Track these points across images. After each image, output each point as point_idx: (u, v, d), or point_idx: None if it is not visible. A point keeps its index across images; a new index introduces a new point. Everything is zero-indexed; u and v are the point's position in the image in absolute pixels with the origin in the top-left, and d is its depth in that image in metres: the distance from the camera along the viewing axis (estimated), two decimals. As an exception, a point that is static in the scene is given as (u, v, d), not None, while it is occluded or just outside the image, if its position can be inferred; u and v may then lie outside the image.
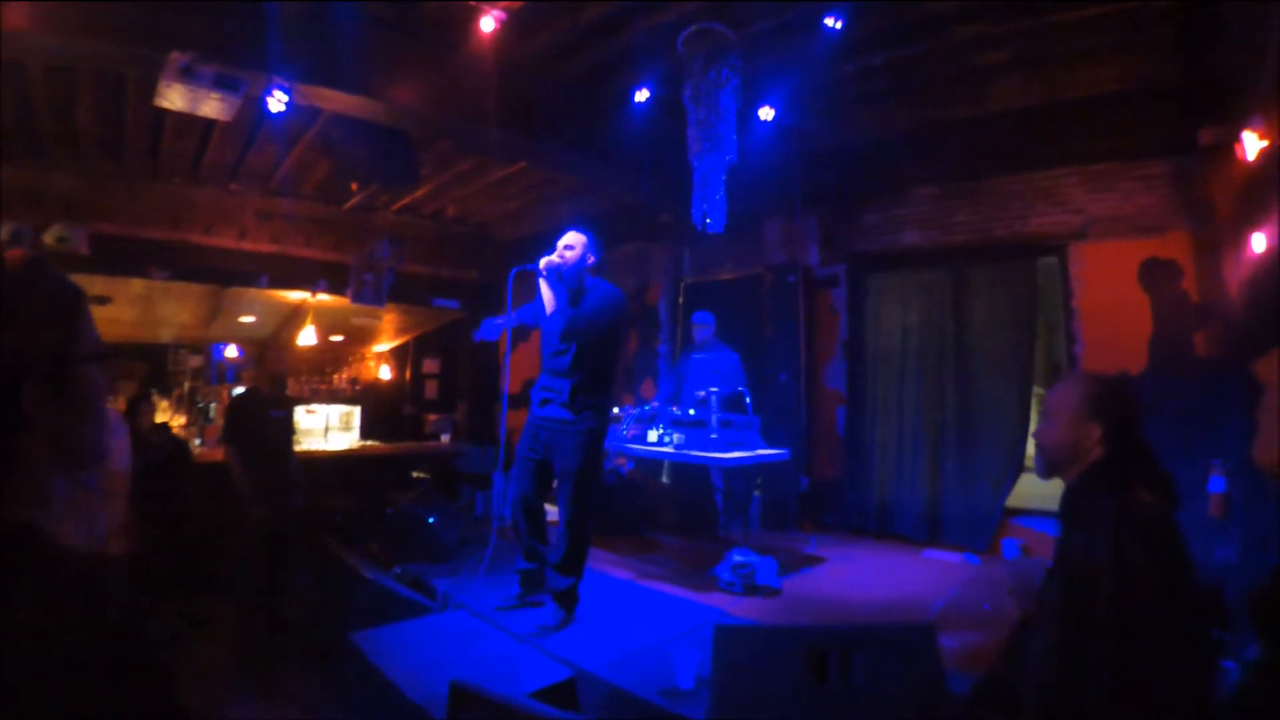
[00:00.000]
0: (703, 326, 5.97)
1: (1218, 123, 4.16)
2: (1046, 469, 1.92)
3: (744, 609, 4.01)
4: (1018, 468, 5.42)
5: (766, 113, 5.24)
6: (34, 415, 0.74)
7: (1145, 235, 4.92)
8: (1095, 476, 1.74)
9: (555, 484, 3.78)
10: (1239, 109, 3.79)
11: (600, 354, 3.73)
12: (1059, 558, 1.76)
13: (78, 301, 0.80)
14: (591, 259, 3.80)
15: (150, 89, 4.15)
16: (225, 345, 8.16)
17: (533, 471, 3.80)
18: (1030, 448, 6.15)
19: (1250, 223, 3.70)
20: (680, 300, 7.47)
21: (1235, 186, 4.03)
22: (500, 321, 3.87)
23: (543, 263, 3.63)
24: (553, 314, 3.62)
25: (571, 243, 3.78)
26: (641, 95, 5.12)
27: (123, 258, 6.48)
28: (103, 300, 6.30)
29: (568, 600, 3.72)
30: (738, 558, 4.38)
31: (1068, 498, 1.84)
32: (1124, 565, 1.44)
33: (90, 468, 0.84)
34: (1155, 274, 4.87)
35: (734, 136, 4.54)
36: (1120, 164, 5.03)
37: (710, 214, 4.66)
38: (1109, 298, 5.05)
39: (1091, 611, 1.44)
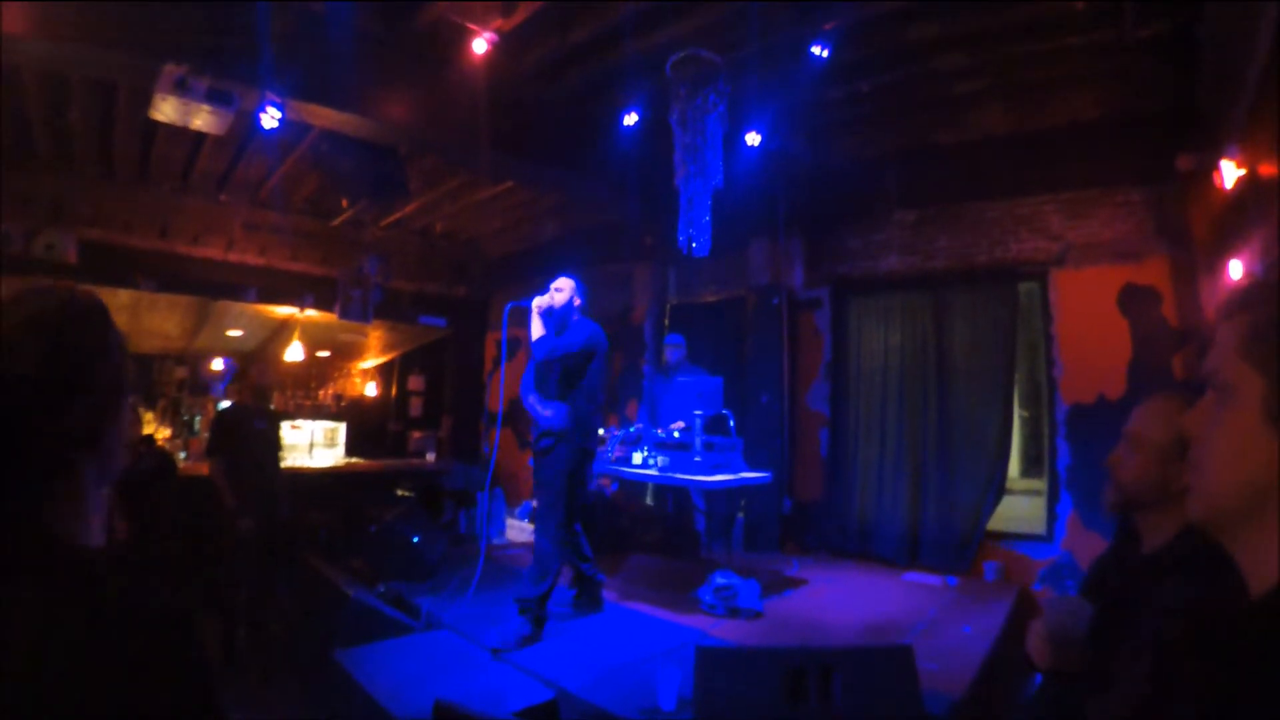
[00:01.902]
0: (675, 348, 6.01)
1: (1195, 150, 4.26)
2: (1120, 504, 1.65)
3: (725, 631, 4.02)
4: (999, 490, 5.47)
5: (753, 139, 5.32)
6: (105, 443, 0.81)
7: (1124, 261, 5.02)
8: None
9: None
10: (1216, 137, 3.88)
11: (576, 381, 4.11)
12: (1141, 611, 1.39)
13: (125, 344, 0.90)
14: (578, 300, 4.23)
15: (143, 98, 4.18)
16: (210, 358, 8.12)
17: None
18: (1013, 469, 6.24)
19: (1227, 249, 3.79)
20: (666, 321, 7.51)
21: (1212, 213, 4.12)
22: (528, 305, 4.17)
23: (535, 301, 4.10)
24: (538, 340, 4.06)
25: (560, 286, 4.19)
26: (630, 119, 5.19)
27: (110, 266, 6.46)
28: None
29: (528, 609, 3.86)
30: (720, 579, 4.40)
31: (1177, 545, 1.45)
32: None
33: (112, 483, 0.92)
34: (1134, 299, 4.96)
35: (720, 161, 4.60)
36: (1099, 191, 5.14)
37: (695, 237, 4.72)
38: (1088, 322, 5.14)
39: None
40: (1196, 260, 4.52)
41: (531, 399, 4.22)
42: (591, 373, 4.17)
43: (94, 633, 0.67)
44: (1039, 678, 1.59)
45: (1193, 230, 4.56)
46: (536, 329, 4.08)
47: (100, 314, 0.84)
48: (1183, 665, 0.77)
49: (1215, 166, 3.76)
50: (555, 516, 4.00)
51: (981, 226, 5.66)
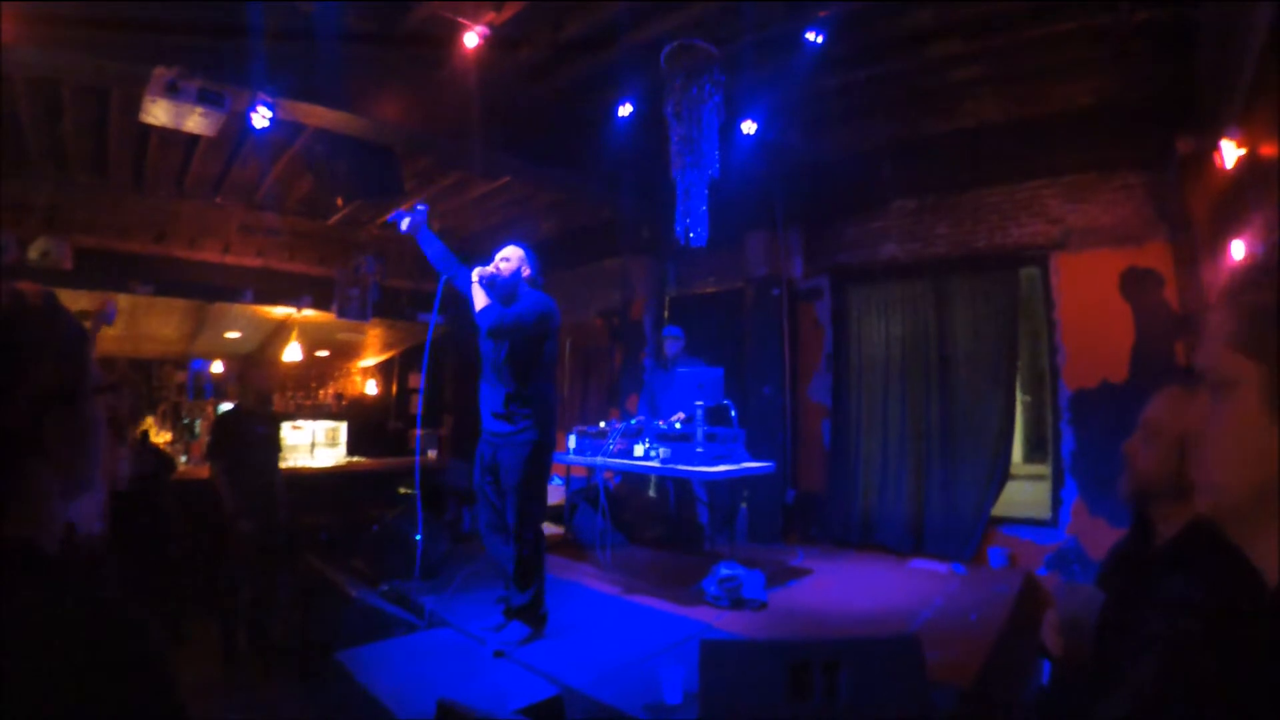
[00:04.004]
0: (675, 340, 6.00)
1: (1194, 133, 4.23)
2: (1135, 494, 1.62)
3: (730, 622, 4.00)
4: (1003, 477, 5.45)
5: (749, 126, 5.28)
6: (50, 443, 0.77)
7: (1124, 245, 4.99)
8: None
9: (504, 499, 3.76)
10: (1215, 119, 3.85)
11: (531, 360, 3.70)
12: (1150, 604, 1.35)
13: (85, 339, 0.86)
14: (527, 271, 3.82)
15: (134, 103, 4.15)
16: (207, 361, 8.11)
17: (490, 493, 3.81)
18: (1016, 455, 6.22)
19: (1229, 231, 3.76)
20: (665, 314, 7.50)
21: (1212, 195, 4.09)
22: (417, 218, 3.81)
23: (476, 272, 3.67)
24: (483, 310, 3.62)
25: (508, 255, 3.82)
26: (625, 110, 5.16)
27: (106, 272, 6.45)
28: (85, 316, 6.26)
29: (530, 615, 3.72)
30: (724, 571, 4.38)
31: (1182, 538, 1.44)
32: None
33: (88, 492, 0.88)
34: (1135, 283, 4.93)
35: (716, 151, 4.57)
36: (1098, 175, 5.11)
37: (693, 228, 4.69)
38: (1090, 307, 5.11)
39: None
40: (1198, 243, 4.49)
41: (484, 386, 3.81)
42: (545, 352, 3.75)
43: (38, 637, 0.66)
44: (1048, 666, 1.57)
45: (1193, 213, 4.52)
46: (479, 299, 3.64)
47: (39, 314, 0.81)
48: (1196, 662, 0.74)
49: (1215, 148, 3.73)
50: (534, 520, 3.73)
51: (981, 212, 5.63)
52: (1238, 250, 3.62)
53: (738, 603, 4.26)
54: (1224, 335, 0.68)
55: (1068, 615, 1.49)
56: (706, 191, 4.66)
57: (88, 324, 3.77)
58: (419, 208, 3.86)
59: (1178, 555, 1.39)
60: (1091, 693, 1.35)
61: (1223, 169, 3.66)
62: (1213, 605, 0.85)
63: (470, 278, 3.70)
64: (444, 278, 3.88)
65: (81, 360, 0.83)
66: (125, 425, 4.31)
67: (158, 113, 4.12)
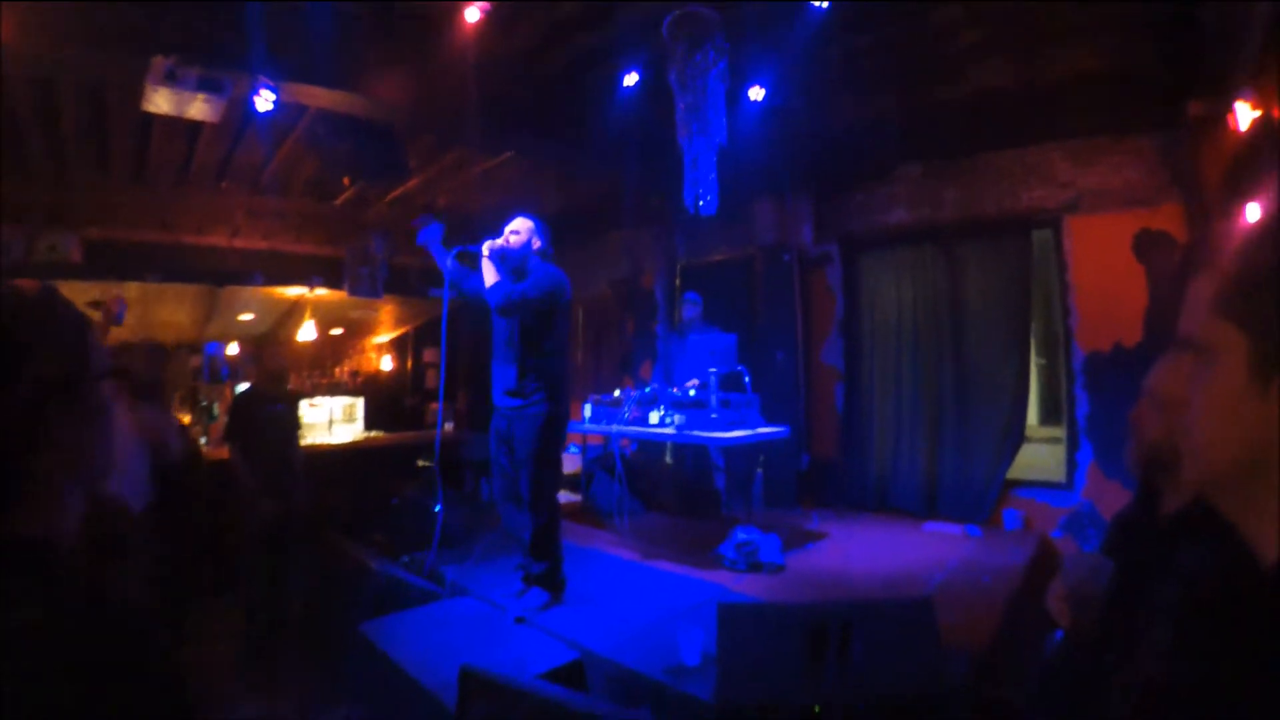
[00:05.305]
0: (692, 304, 6.07)
1: (1206, 95, 4.14)
2: (1143, 462, 1.56)
3: (747, 586, 4.07)
4: (1018, 439, 5.46)
5: (756, 92, 5.21)
6: (53, 434, 0.78)
7: (1137, 208, 4.92)
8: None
9: (518, 471, 3.79)
10: (1226, 81, 3.78)
11: (542, 336, 3.71)
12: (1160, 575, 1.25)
13: (87, 328, 0.87)
14: (538, 243, 3.81)
15: (134, 95, 4.14)
16: (221, 344, 8.18)
17: (505, 470, 3.85)
18: (1031, 417, 6.20)
19: (1243, 193, 3.70)
20: (677, 282, 7.49)
21: (1225, 158, 4.02)
22: (428, 235, 3.88)
23: (486, 245, 3.68)
24: (492, 287, 3.62)
25: (517, 228, 3.80)
26: (630, 79, 5.10)
27: (116, 262, 6.49)
28: (98, 305, 6.31)
29: (548, 582, 3.78)
30: (741, 535, 4.44)
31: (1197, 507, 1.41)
32: None
33: (104, 480, 0.90)
34: (1148, 246, 4.88)
35: (723, 118, 4.52)
36: (1108, 138, 5.03)
37: (702, 195, 4.67)
38: (1104, 270, 5.07)
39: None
40: (1211, 206, 4.43)
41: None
42: (556, 325, 3.74)
43: (48, 631, 0.68)
44: (1059, 633, 1.57)
45: (1206, 175, 4.45)
46: (489, 275, 3.64)
47: (36, 307, 0.82)
48: (1204, 635, 0.73)
49: (1228, 110, 3.66)
50: (549, 491, 3.77)
51: (990, 176, 5.56)
52: (1252, 213, 3.56)
53: (755, 566, 4.32)
54: (1209, 302, 0.66)
55: (1074, 585, 1.49)
56: (714, 159, 4.63)
57: (98, 317, 3.79)
58: (433, 225, 3.89)
59: (1189, 524, 1.37)
60: (1099, 664, 1.37)
61: (1236, 131, 3.60)
62: (1209, 588, 0.84)
63: (479, 283, 3.71)
64: (455, 251, 3.83)
65: (82, 349, 0.84)
66: (163, 389, 4.26)
67: (160, 101, 4.11)
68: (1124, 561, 1.50)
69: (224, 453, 5.19)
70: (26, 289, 0.82)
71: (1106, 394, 5.02)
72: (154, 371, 4.08)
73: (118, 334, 4.13)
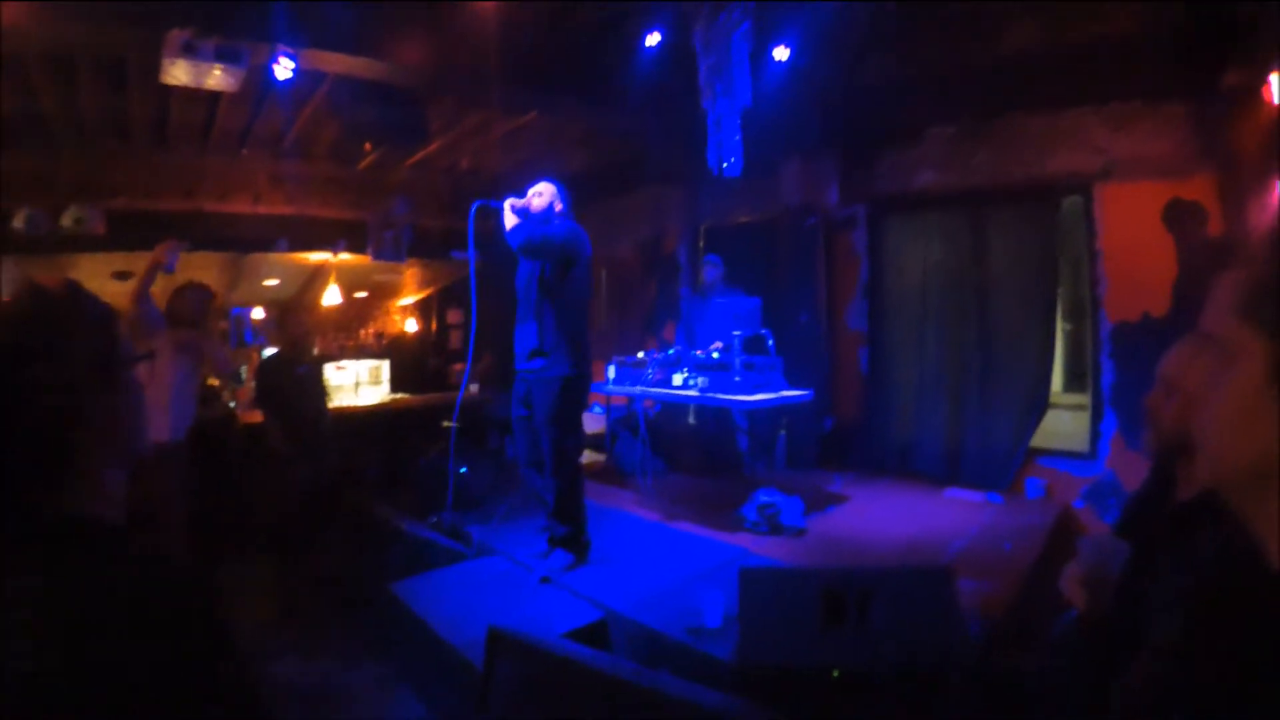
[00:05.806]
0: (713, 266, 6.07)
1: (1242, 65, 4.01)
2: (1159, 449, 1.60)
3: (769, 548, 4.10)
4: (1041, 407, 5.40)
5: (781, 52, 5.11)
6: (90, 416, 0.83)
7: (1169, 177, 4.77)
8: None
9: (539, 434, 3.82)
10: (1263, 52, 3.65)
11: (562, 286, 3.73)
12: (1176, 563, 1.35)
13: (113, 319, 0.92)
14: (559, 205, 3.86)
15: (152, 67, 4.16)
16: (247, 309, 8.26)
17: (527, 429, 3.91)
18: (1056, 384, 6.14)
19: (1276, 167, 3.60)
20: (701, 244, 7.45)
21: (1260, 130, 3.91)
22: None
23: (508, 203, 3.73)
24: (514, 228, 3.67)
25: (540, 190, 3.86)
26: (653, 39, 5.02)
27: (139, 232, 6.54)
28: (124, 276, 6.40)
29: (572, 544, 3.85)
30: (763, 498, 4.46)
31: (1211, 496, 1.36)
32: None
33: (137, 457, 0.95)
34: (1179, 216, 4.73)
35: (747, 79, 4.46)
36: (1143, 104, 4.85)
37: (726, 157, 4.62)
38: (1133, 239, 4.94)
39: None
40: (1243, 178, 4.29)
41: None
42: (576, 280, 3.77)
43: (99, 604, 0.72)
44: (1073, 611, 1.58)
45: (1240, 147, 4.31)
46: (510, 222, 3.71)
47: (63, 303, 0.87)
48: (1213, 627, 0.74)
49: (1264, 81, 3.53)
50: (571, 454, 3.81)
51: (1022, 140, 5.39)
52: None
53: (776, 529, 4.35)
54: (1231, 300, 0.67)
55: (1089, 567, 1.48)
56: (739, 120, 4.56)
57: (141, 277, 3.90)
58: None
59: (1193, 517, 1.38)
60: (1113, 647, 1.36)
61: (1271, 103, 3.47)
62: (1220, 581, 0.84)
63: (501, 205, 3.74)
64: (475, 205, 3.88)
65: (110, 338, 0.89)
66: (208, 323, 4.42)
67: (178, 73, 4.14)
68: (1139, 548, 1.50)
69: (253, 417, 5.30)
70: (53, 288, 0.88)
71: (1133, 364, 4.94)
72: (201, 309, 4.25)
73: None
